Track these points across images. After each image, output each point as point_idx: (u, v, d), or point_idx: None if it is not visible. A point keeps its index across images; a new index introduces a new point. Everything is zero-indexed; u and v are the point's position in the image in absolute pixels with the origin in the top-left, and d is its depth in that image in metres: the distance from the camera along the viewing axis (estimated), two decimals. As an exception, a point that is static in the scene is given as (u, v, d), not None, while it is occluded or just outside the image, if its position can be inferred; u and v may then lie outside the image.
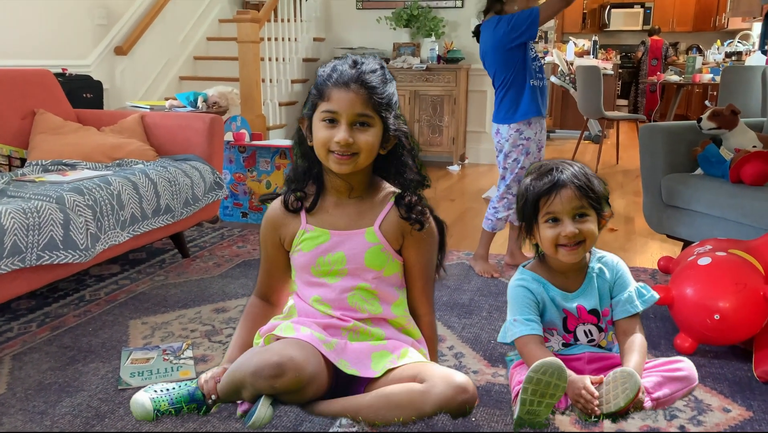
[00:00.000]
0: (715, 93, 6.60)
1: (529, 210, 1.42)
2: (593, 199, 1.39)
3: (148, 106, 3.47)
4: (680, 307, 1.92)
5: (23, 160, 2.58)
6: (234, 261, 2.80)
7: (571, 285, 1.46)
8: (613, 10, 10.80)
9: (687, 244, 2.60)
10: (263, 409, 1.24)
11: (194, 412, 1.37)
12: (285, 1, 5.01)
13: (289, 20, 5.11)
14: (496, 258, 2.85)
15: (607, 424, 1.42)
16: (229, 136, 3.50)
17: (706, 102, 7.54)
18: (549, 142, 7.17)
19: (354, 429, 1.24)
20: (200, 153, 2.80)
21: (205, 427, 1.48)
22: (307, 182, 1.42)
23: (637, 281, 1.51)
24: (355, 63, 1.32)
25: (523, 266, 1.52)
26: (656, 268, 2.48)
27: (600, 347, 1.47)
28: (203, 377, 1.40)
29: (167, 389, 1.38)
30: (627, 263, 1.55)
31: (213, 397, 1.36)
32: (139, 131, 2.83)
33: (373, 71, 1.32)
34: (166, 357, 1.87)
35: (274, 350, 1.25)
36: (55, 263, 1.98)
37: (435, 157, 5.47)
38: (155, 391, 1.38)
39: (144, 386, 1.68)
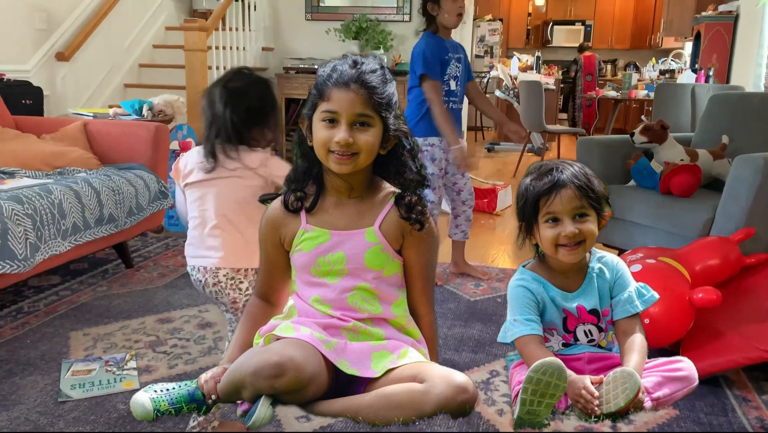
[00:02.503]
0: (650, 108, 6.90)
1: (528, 210, 1.42)
2: (593, 199, 1.38)
3: (92, 114, 3.40)
4: (613, 312, 2.02)
5: (-42, 168, 2.49)
6: (179, 271, 2.77)
7: (571, 285, 1.46)
8: (555, 27, 11.18)
9: (621, 252, 2.73)
10: (263, 409, 1.23)
11: (194, 412, 1.35)
12: (233, 9, 4.99)
13: (237, 29, 5.09)
14: (442, 267, 2.92)
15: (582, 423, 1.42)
16: (175, 145, 3.46)
17: (642, 117, 7.87)
18: (493, 154, 7.34)
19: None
20: (145, 162, 2.77)
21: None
22: (307, 182, 1.41)
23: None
24: (355, 63, 1.32)
25: (523, 266, 1.52)
26: (593, 275, 2.59)
27: (600, 347, 1.48)
28: (203, 377, 1.37)
29: (167, 389, 1.37)
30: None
31: (213, 397, 1.34)
32: (82, 139, 2.78)
33: (374, 71, 1.32)
34: (109, 368, 1.84)
35: (274, 350, 1.24)
36: (-9, 273, 1.92)
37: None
38: (155, 391, 1.36)
39: (86, 397, 1.66)
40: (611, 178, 2.85)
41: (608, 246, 2.88)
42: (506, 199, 4.42)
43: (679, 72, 7.18)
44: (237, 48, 5.12)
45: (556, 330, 1.47)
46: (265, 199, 1.49)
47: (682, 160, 2.73)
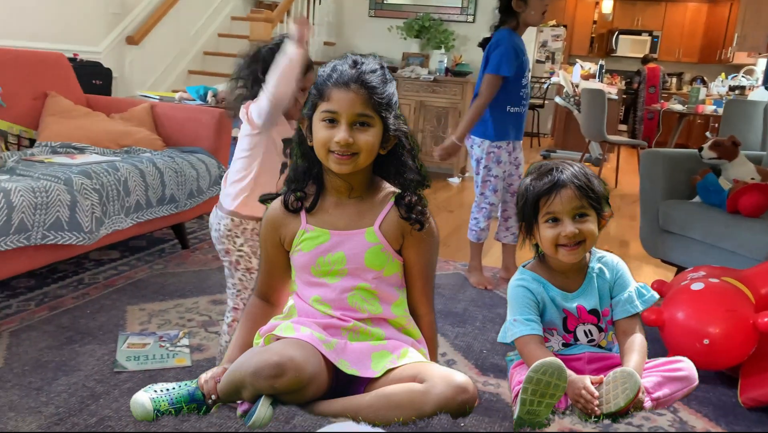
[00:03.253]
0: (716, 125, 6.67)
1: (529, 210, 1.42)
2: (593, 199, 1.38)
3: (158, 97, 3.50)
4: (671, 329, 1.95)
5: (32, 141, 2.60)
6: (233, 255, 2.82)
7: (571, 285, 1.46)
8: (621, 36, 10.91)
9: (680, 269, 2.64)
10: (263, 409, 1.24)
11: (194, 412, 1.36)
12: (299, 2, 5.06)
13: (301, 22, 5.15)
14: (492, 271, 2.88)
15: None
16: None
17: (707, 133, 7.61)
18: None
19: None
20: (207, 146, 2.83)
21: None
22: (307, 182, 1.42)
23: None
24: (355, 63, 1.33)
25: (523, 266, 1.52)
26: (649, 291, 2.52)
27: (600, 347, 1.47)
28: (203, 377, 1.40)
29: (167, 389, 1.39)
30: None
31: (213, 397, 1.36)
32: (148, 121, 2.86)
33: (373, 71, 1.32)
34: (163, 344, 1.89)
35: (274, 350, 1.26)
36: (59, 243, 2.00)
37: (436, 168, 5.50)
38: (155, 391, 1.38)
39: (140, 370, 1.70)
40: (675, 192, 2.76)
41: (667, 262, 2.80)
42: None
43: (750, 89, 6.91)
44: (300, 41, 5.18)
45: (556, 330, 1.47)
46: (265, 200, 1.49)
47: (753, 178, 2.63)
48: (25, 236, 1.88)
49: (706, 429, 1.66)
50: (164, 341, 1.91)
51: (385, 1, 5.69)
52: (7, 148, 2.49)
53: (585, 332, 1.46)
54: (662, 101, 7.94)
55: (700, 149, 2.73)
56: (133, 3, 4.46)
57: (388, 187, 1.42)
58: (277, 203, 1.45)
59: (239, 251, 1.74)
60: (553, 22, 9.97)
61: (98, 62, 3.88)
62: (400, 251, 1.42)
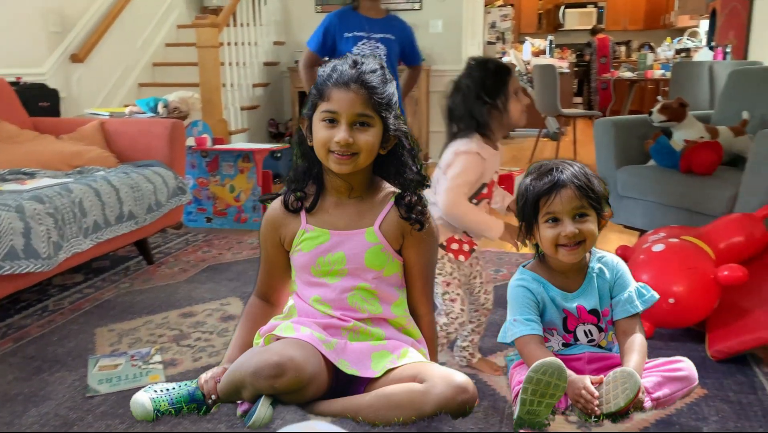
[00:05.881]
0: (666, 88, 6.81)
1: (529, 210, 1.41)
2: (593, 199, 1.38)
3: (108, 113, 3.43)
4: (637, 293, 1.99)
5: (-21, 171, 2.52)
6: (200, 266, 2.79)
7: (571, 285, 1.45)
8: (567, 10, 11.05)
9: (642, 233, 2.70)
10: (263, 409, 1.25)
11: (194, 412, 1.36)
12: (244, 5, 5.00)
13: (248, 24, 5.09)
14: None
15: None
16: (191, 141, 3.48)
17: (659, 97, 7.76)
18: (509, 140, 7.29)
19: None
20: (162, 158, 2.78)
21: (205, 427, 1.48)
22: (307, 182, 1.42)
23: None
24: (355, 63, 1.33)
25: (523, 266, 1.51)
26: (614, 257, 2.57)
27: (600, 347, 1.47)
28: (203, 377, 1.39)
29: (167, 389, 1.38)
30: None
31: (213, 397, 1.36)
32: (99, 138, 2.81)
33: (373, 71, 1.32)
34: (134, 363, 1.86)
35: (274, 350, 1.26)
36: (16, 272, 1.95)
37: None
38: (155, 391, 1.37)
39: (113, 392, 1.68)
40: (630, 158, 2.82)
41: (629, 228, 2.86)
42: (523, 184, 4.39)
43: (695, 51, 7.07)
44: (249, 43, 5.13)
45: (556, 330, 1.47)
46: (265, 200, 1.48)
47: (702, 137, 2.70)
48: (-20, 268, 1.83)
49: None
50: (136, 359, 1.88)
51: (330, -4, 5.66)
52: (-46, 181, 2.42)
53: (585, 332, 1.45)
54: (613, 70, 8.08)
55: (650, 113, 2.79)
56: (74, 20, 4.35)
57: (388, 187, 1.42)
58: (277, 203, 1.45)
59: None
60: (501, 2, 10.04)
61: (43, 83, 3.78)
62: (400, 251, 1.42)
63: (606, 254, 1.51)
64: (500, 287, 2.49)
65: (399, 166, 1.40)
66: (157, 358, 1.89)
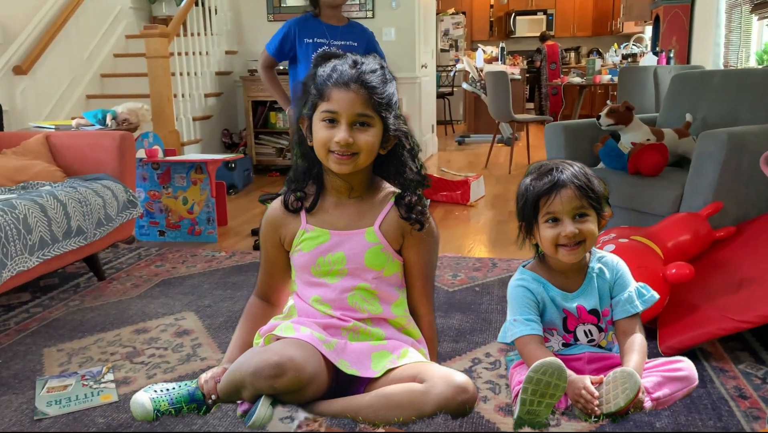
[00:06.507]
0: (614, 93, 6.99)
1: (528, 210, 1.41)
2: (593, 199, 1.38)
3: (53, 126, 3.33)
4: (590, 293, 2.03)
5: None
6: (153, 281, 2.73)
7: (571, 285, 1.45)
8: (518, 18, 11.26)
9: (594, 234, 2.76)
10: (263, 409, 1.23)
11: (194, 412, 1.34)
12: (194, 14, 4.93)
13: (199, 34, 5.03)
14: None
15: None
16: (141, 154, 3.40)
17: (608, 101, 7.97)
18: (464, 146, 7.37)
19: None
20: (111, 172, 2.72)
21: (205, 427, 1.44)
22: (307, 182, 1.41)
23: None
24: (355, 63, 1.32)
25: (523, 266, 1.51)
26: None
27: (600, 347, 1.47)
28: (203, 377, 1.37)
29: (167, 389, 1.36)
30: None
31: (213, 397, 1.34)
32: (44, 152, 2.72)
33: (374, 71, 1.32)
34: (85, 382, 1.80)
35: (274, 350, 1.24)
36: (-43, 293, 1.87)
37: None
38: (155, 391, 1.35)
39: (63, 414, 1.62)
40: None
41: (581, 229, 2.91)
42: (479, 190, 4.44)
43: (641, 56, 7.28)
44: (200, 53, 5.07)
45: (556, 330, 1.47)
46: (265, 200, 1.47)
47: (648, 140, 2.77)
48: None
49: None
50: (87, 379, 1.82)
51: (282, 4, 5.63)
52: None
53: (585, 332, 1.46)
54: (563, 76, 8.27)
55: (598, 117, 2.85)
56: (17, 30, 4.22)
57: (388, 187, 1.42)
58: (277, 203, 1.44)
59: None
60: (453, 10, 10.17)
61: (-16, 97, 3.65)
62: (400, 250, 1.42)
63: (606, 254, 1.52)
64: (459, 291, 2.51)
65: (399, 166, 1.40)
66: (110, 376, 1.84)
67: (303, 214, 1.41)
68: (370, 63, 1.34)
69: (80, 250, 2.46)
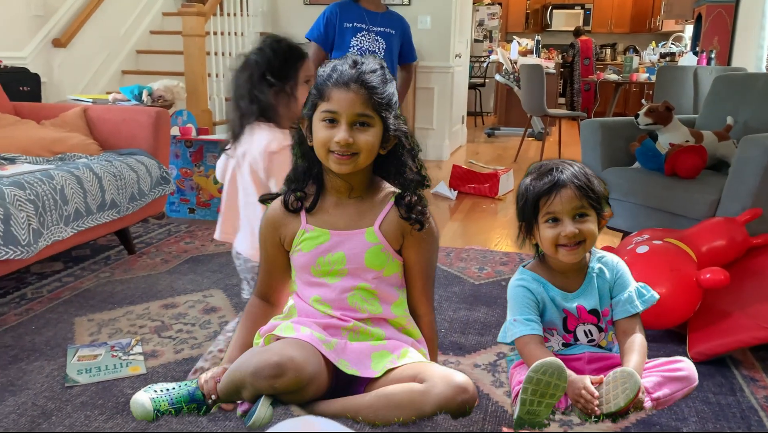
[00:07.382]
0: (650, 92, 6.87)
1: (529, 210, 1.41)
2: (593, 199, 1.38)
3: (91, 100, 3.37)
4: (620, 293, 2.01)
5: (-43, 155, 2.47)
6: (182, 257, 2.76)
7: (571, 285, 1.45)
8: (554, 11, 11.09)
9: (626, 234, 2.72)
10: (263, 409, 1.24)
11: (194, 412, 1.35)
12: (231, -6, 4.94)
13: (235, 14, 5.04)
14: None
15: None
16: (175, 131, 3.44)
17: (643, 100, 7.84)
18: (494, 139, 7.31)
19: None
20: (146, 147, 2.75)
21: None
22: (307, 182, 1.41)
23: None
24: (355, 63, 1.32)
25: (523, 266, 1.51)
26: (597, 258, 2.58)
27: (600, 347, 1.47)
28: (203, 377, 1.38)
29: (167, 389, 1.38)
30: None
31: (213, 397, 1.35)
32: (82, 125, 2.76)
33: (373, 71, 1.32)
34: (115, 353, 1.83)
35: (274, 350, 1.25)
36: (-5, 259, 1.91)
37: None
38: (155, 391, 1.37)
39: (93, 382, 1.65)
40: (615, 160, 2.84)
41: (613, 229, 2.87)
42: (508, 183, 4.41)
43: (679, 55, 7.14)
44: (235, 33, 5.07)
45: (556, 330, 1.47)
46: (265, 200, 1.47)
47: (687, 141, 2.72)
48: (-43, 254, 1.79)
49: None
50: (116, 350, 1.85)
51: (319, -11, 5.62)
52: (-69, 164, 2.37)
53: (585, 332, 1.45)
54: (598, 72, 8.14)
55: (636, 116, 2.81)
56: (57, 4, 4.27)
57: (388, 187, 1.42)
58: (277, 203, 1.44)
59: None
60: (489, 1, 10.06)
61: (24, 68, 3.70)
62: (400, 250, 1.42)
63: (606, 254, 1.51)
64: (485, 285, 2.50)
65: (399, 166, 1.40)
66: (138, 349, 1.87)
67: (303, 214, 1.41)
68: (370, 63, 1.34)
69: (113, 223, 2.50)
